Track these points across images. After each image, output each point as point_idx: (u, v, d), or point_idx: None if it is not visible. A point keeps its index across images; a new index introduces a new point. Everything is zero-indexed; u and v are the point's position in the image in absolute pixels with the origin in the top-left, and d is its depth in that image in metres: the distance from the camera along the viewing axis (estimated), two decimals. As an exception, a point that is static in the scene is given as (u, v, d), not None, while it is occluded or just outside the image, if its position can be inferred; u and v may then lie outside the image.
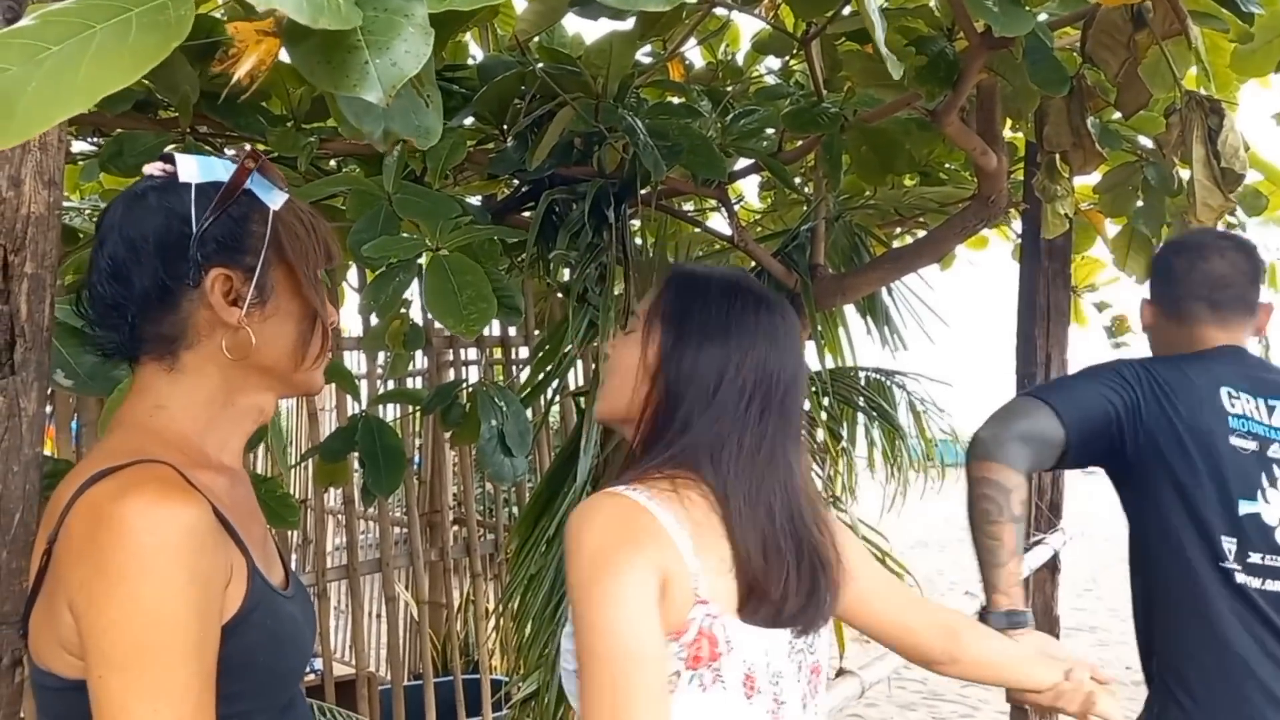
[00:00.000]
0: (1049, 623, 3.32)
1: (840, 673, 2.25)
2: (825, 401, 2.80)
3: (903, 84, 1.92)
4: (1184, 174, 1.92)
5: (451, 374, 3.53)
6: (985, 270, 3.85)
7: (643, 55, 2.71)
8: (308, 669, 3.04)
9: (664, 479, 1.06)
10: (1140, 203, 2.74)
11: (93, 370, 1.27)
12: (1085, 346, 3.60)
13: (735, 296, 1.14)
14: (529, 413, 2.29)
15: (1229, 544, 1.53)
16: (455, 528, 3.74)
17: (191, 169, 0.91)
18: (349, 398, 2.58)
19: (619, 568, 0.95)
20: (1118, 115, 2.17)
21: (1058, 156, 2.20)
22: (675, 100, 2.47)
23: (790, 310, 1.23)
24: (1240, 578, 1.53)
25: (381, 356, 2.69)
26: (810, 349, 3.16)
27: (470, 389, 2.03)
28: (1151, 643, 1.69)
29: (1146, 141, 2.58)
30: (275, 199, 0.93)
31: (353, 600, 2.88)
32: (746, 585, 1.03)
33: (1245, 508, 1.54)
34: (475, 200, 2.72)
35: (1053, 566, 3.30)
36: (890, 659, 2.41)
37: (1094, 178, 2.89)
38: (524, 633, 2.28)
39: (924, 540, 11.04)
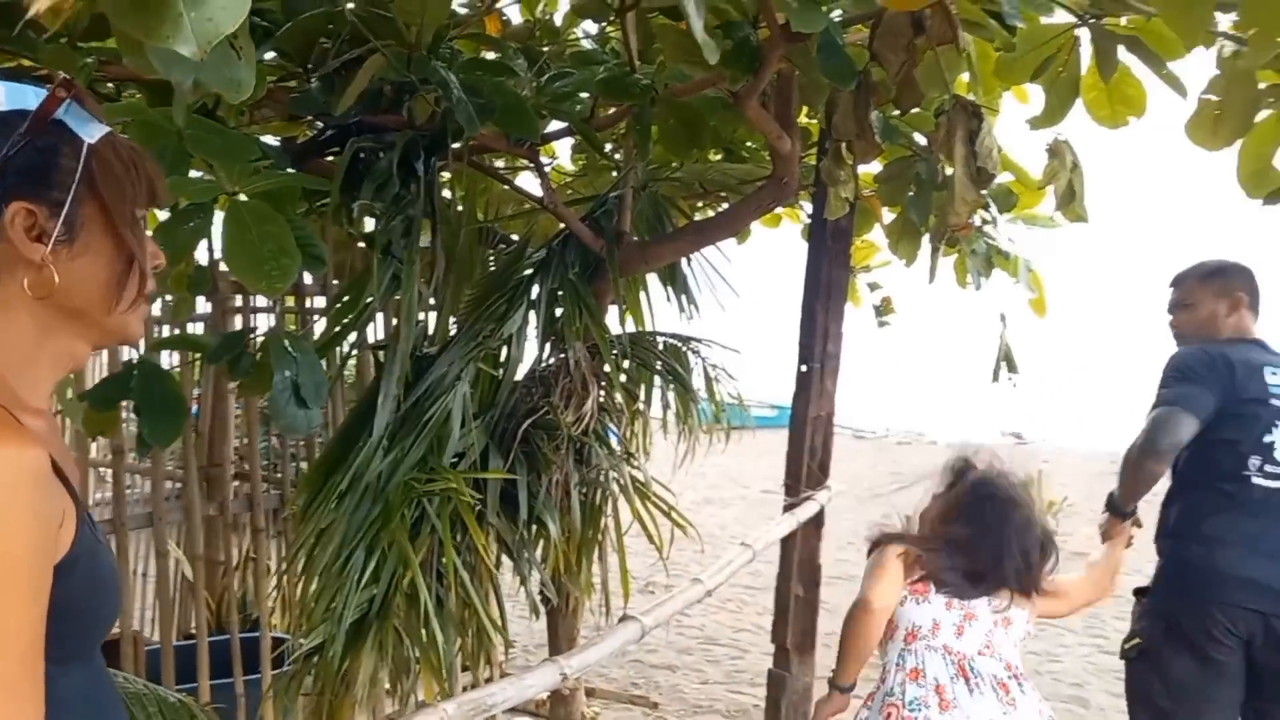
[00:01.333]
0: (812, 570, 3.63)
1: (623, 618, 2.37)
2: (625, 364, 2.90)
3: (711, 64, 2.03)
4: (949, 170, 2.13)
5: (239, 321, 3.35)
6: (777, 247, 4.09)
7: (459, 6, 2.66)
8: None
9: None
10: (912, 194, 3.03)
11: None
12: (856, 322, 3.92)
13: None
14: (324, 364, 2.23)
15: (1254, 460, 2.48)
16: (237, 482, 3.57)
17: None
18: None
19: None
20: (898, 111, 2.40)
21: (844, 145, 2.38)
22: (490, 56, 2.45)
23: None
24: (1256, 479, 2.48)
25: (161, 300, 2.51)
26: (613, 312, 3.27)
27: (262, 338, 1.94)
28: (1170, 523, 2.66)
29: (921, 139, 2.85)
30: (91, 132, 0.88)
31: (118, 557, 2.69)
32: None
33: (1266, 439, 2.48)
34: (274, 141, 2.59)
35: (818, 521, 3.61)
36: (669, 606, 2.58)
37: (875, 167, 3.16)
38: (310, 588, 2.24)
39: (709, 498, 11.65)
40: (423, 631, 2.32)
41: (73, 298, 0.88)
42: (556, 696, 3.39)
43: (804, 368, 3.58)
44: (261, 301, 3.43)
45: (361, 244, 2.48)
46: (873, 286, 3.89)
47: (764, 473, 14.04)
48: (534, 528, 2.57)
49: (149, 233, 0.97)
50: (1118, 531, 2.63)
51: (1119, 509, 2.64)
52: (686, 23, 1.64)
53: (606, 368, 2.60)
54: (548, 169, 3.75)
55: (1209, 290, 2.68)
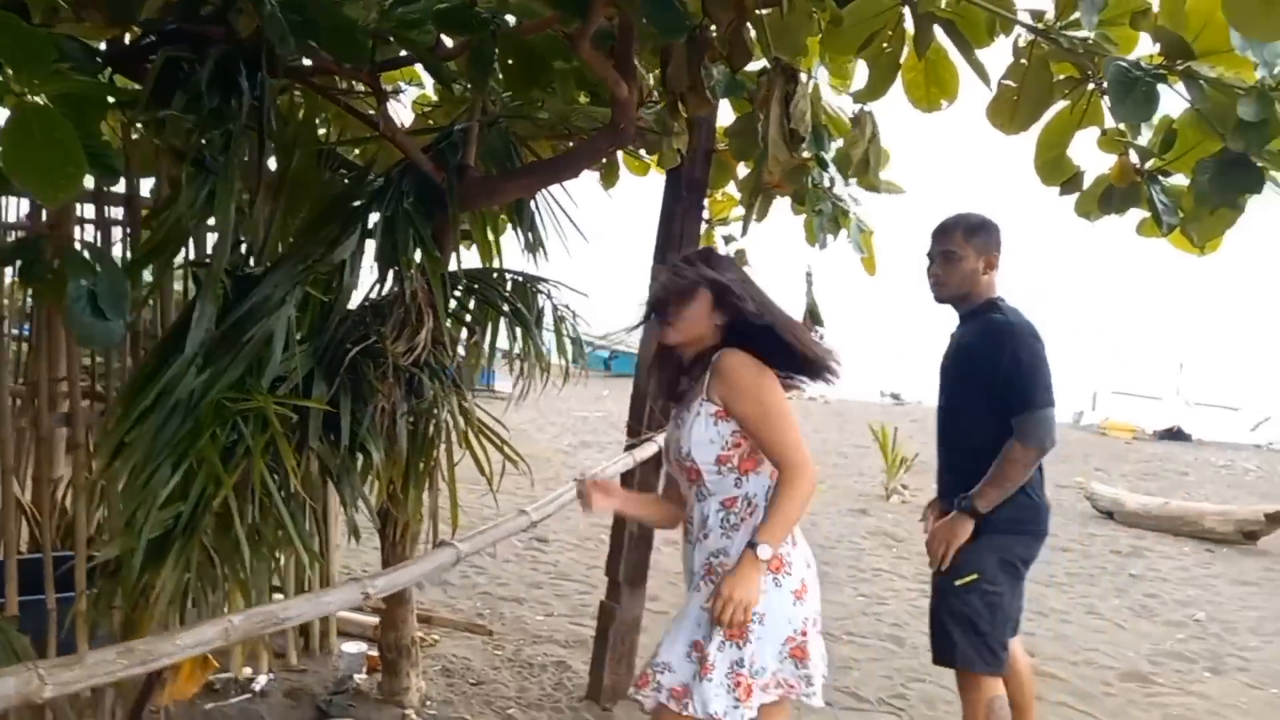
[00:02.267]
0: (648, 512, 3.77)
1: (440, 544, 2.44)
2: (470, 303, 2.93)
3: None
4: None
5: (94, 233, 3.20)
6: (642, 194, 4.14)
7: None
8: None
9: None
10: (763, 149, 3.12)
11: None
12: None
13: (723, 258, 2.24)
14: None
15: None
16: (88, 403, 3.45)
17: None
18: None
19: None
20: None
21: (678, 97, 2.45)
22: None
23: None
24: None
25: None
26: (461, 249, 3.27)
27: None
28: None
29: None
30: None
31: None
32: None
33: None
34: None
35: (658, 462, 3.74)
36: (489, 535, 2.65)
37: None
38: (111, 502, 2.21)
39: (587, 441, 11.82)
40: (239, 551, 2.34)
41: None
42: (386, 622, 3.45)
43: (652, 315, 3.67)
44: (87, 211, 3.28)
45: (174, 157, 2.40)
46: (728, 239, 4.00)
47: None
48: (359, 455, 2.59)
49: None
50: (961, 533, 2.67)
51: (978, 511, 2.65)
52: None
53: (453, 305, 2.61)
54: (411, 96, 3.71)
55: (973, 245, 2.68)
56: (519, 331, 3.11)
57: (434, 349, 2.68)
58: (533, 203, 3.11)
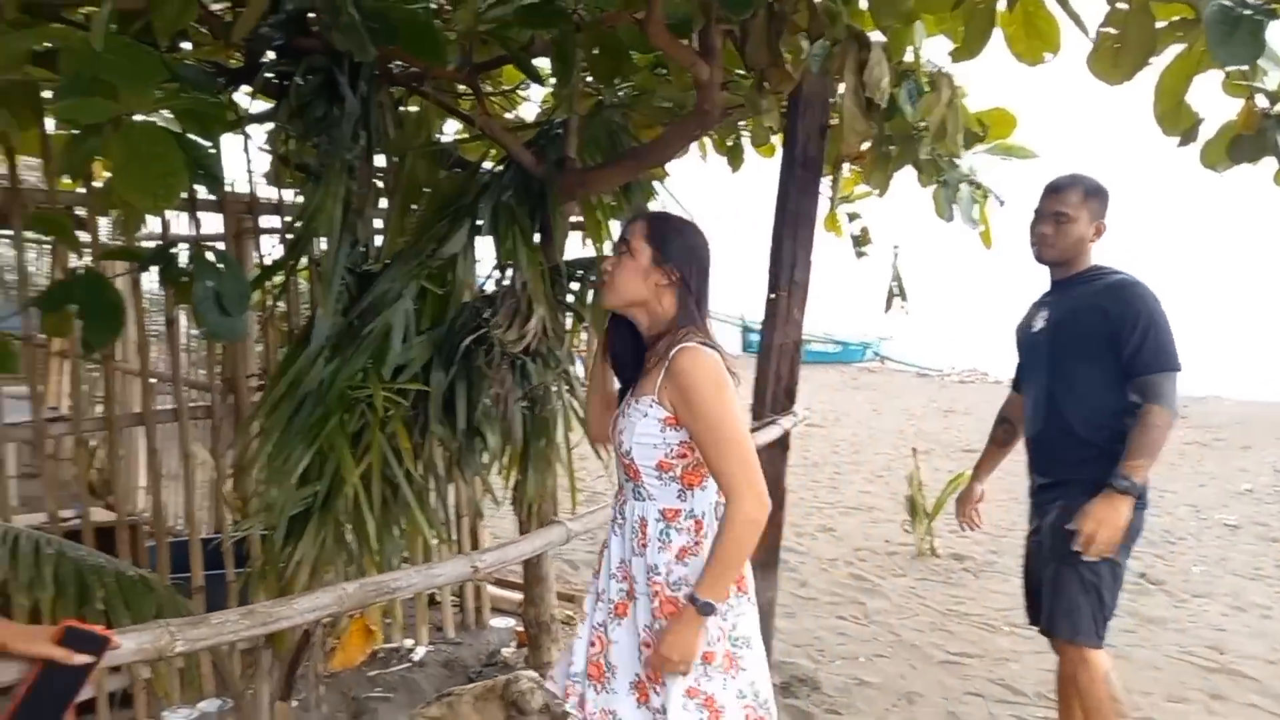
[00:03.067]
0: (779, 493, 3.74)
1: (550, 522, 2.54)
2: (574, 287, 3.02)
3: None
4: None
5: (254, 243, 3.57)
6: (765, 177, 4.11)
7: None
8: (74, 512, 3.14)
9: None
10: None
11: None
12: (832, 252, 3.95)
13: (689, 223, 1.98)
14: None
15: None
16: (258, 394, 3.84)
17: None
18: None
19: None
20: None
21: (761, 74, 2.42)
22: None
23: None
24: None
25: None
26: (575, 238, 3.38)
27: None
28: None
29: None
30: None
31: (111, 449, 2.97)
32: None
33: None
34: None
35: (784, 444, 3.70)
36: (600, 515, 2.73)
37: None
38: (252, 482, 2.45)
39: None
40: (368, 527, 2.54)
41: None
42: (528, 598, 3.62)
43: (772, 295, 3.64)
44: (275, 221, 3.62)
45: (286, 165, 2.62)
46: (851, 216, 3.89)
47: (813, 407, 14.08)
48: (476, 438, 2.74)
49: None
50: (1124, 513, 2.45)
51: (1136, 486, 2.45)
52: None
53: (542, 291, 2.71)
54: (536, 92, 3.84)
55: (1088, 208, 2.55)
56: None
57: (544, 337, 2.79)
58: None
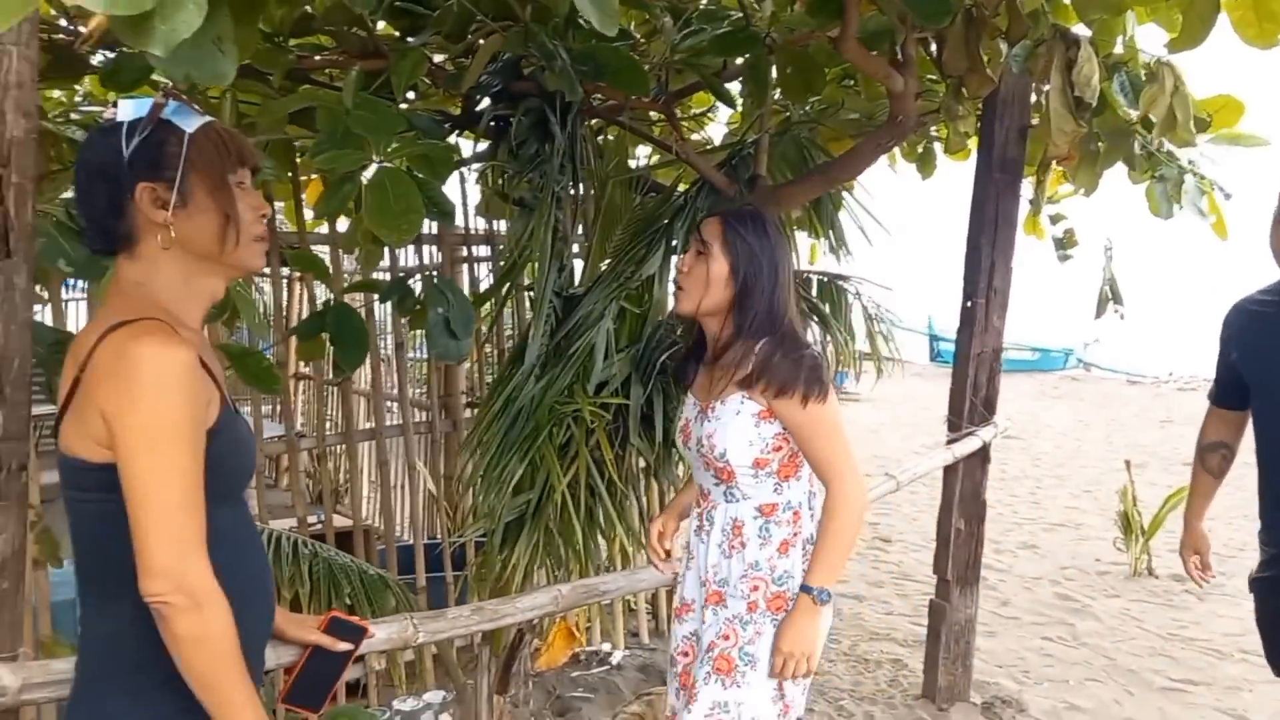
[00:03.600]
0: (975, 505, 3.63)
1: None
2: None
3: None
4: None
5: (466, 269, 3.88)
6: (955, 182, 4.01)
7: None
8: (316, 518, 3.51)
9: None
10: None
11: (85, 260, 1.64)
12: (1035, 256, 3.79)
13: (759, 217, 1.93)
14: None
15: None
16: (468, 411, 4.15)
17: (126, 110, 1.22)
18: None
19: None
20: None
21: (960, 79, 2.39)
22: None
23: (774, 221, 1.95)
24: None
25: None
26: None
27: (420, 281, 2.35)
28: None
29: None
30: (190, 123, 1.23)
31: (350, 462, 3.30)
32: None
33: None
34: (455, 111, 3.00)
35: (984, 457, 3.59)
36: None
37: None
38: (473, 491, 2.66)
39: (928, 441, 11.33)
40: (575, 533, 2.69)
41: (194, 245, 1.24)
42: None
43: (968, 303, 3.55)
44: (484, 250, 3.91)
45: (503, 199, 2.82)
46: (1055, 219, 3.72)
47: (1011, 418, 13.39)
48: (671, 449, 2.85)
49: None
50: None
51: None
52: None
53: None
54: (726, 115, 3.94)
55: None
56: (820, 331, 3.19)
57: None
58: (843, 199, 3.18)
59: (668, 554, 2.27)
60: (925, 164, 3.93)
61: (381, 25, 2.65)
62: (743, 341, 1.84)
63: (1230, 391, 2.44)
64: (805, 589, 1.82)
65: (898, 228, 3.56)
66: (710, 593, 1.95)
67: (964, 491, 3.60)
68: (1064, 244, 3.66)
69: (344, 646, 1.65)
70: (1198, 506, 2.62)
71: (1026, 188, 3.65)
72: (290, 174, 2.86)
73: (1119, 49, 2.67)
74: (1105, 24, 2.68)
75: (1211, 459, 2.57)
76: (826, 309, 3.27)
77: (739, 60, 2.73)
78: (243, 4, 0.95)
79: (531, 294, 2.75)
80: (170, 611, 1.12)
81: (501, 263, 3.07)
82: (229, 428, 1.25)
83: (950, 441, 3.53)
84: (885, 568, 5.72)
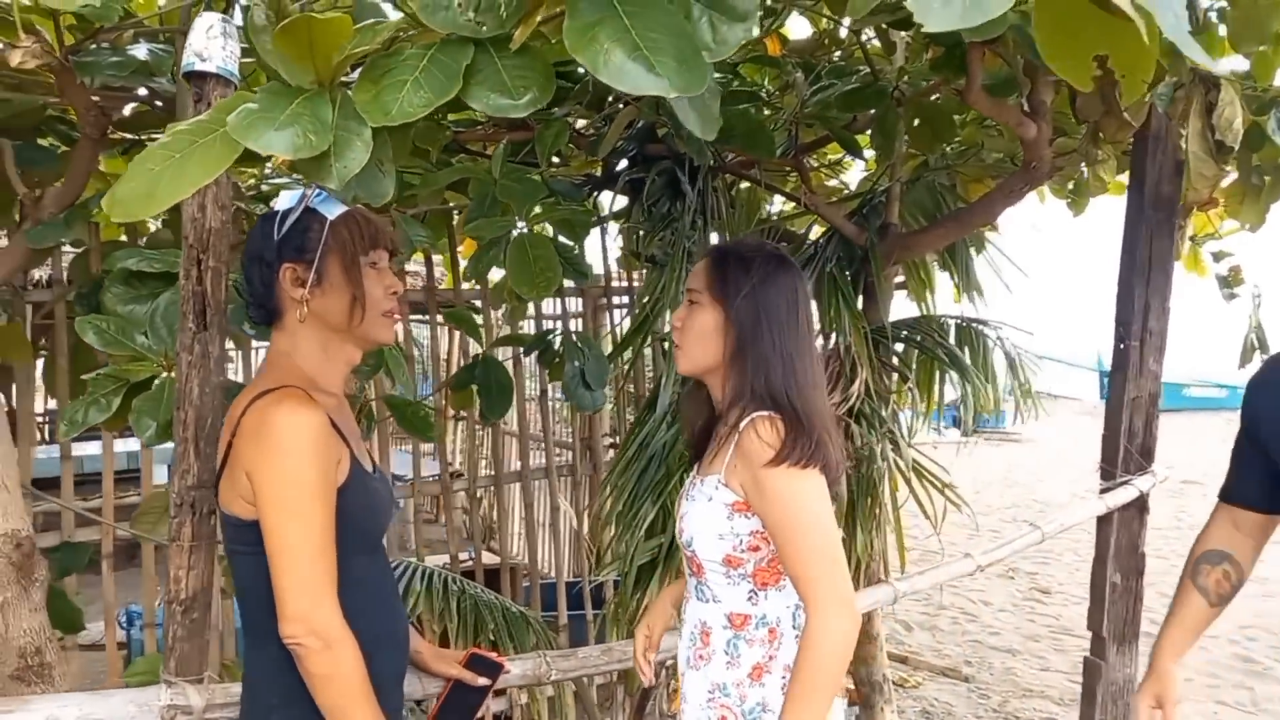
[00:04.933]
0: (1133, 558, 3.44)
1: (877, 581, 2.59)
2: (898, 348, 3.06)
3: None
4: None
5: (607, 316, 4.05)
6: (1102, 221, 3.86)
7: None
8: (467, 555, 3.71)
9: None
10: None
11: (262, 329, 1.86)
12: (1195, 294, 3.60)
13: (763, 258, 1.52)
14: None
15: None
16: (609, 453, 4.31)
17: (284, 200, 1.41)
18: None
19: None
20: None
21: (1096, 124, 2.34)
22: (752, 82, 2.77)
23: (793, 262, 1.58)
24: None
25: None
26: (900, 297, 3.42)
27: (560, 336, 2.50)
28: None
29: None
30: (333, 211, 1.39)
31: (498, 502, 3.49)
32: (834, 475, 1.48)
33: None
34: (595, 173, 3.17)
35: (1141, 507, 3.40)
36: (930, 576, 2.72)
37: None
38: (608, 533, 2.77)
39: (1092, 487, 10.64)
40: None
41: (328, 319, 1.39)
42: (857, 657, 3.64)
43: (1121, 345, 3.40)
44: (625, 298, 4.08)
45: (634, 257, 2.95)
46: (1218, 256, 3.51)
47: (1181, 458, 12.49)
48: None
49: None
50: None
51: None
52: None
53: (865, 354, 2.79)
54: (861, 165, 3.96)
55: None
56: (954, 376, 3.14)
57: (868, 398, 2.86)
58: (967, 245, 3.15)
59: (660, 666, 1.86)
60: (1077, 201, 3.81)
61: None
62: (740, 407, 1.47)
63: (1253, 484, 1.81)
64: None
65: (1050, 262, 3.46)
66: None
67: (1119, 544, 3.41)
68: (1229, 282, 3.46)
69: (483, 681, 1.77)
70: (1175, 639, 1.86)
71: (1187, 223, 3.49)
72: (449, 237, 3.11)
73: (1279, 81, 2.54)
74: (1263, 56, 2.56)
75: (1209, 575, 1.86)
76: (966, 354, 3.22)
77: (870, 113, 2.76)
78: (396, 129, 1.09)
79: (666, 344, 2.85)
80: (304, 652, 1.24)
81: (637, 313, 3.20)
82: (359, 484, 1.36)
83: (1103, 491, 3.37)
84: (1043, 620, 5.44)
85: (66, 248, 2.90)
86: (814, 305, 2.91)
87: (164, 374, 1.70)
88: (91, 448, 5.43)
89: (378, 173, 1.12)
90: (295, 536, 1.24)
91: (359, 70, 1.09)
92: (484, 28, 1.05)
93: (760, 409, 1.45)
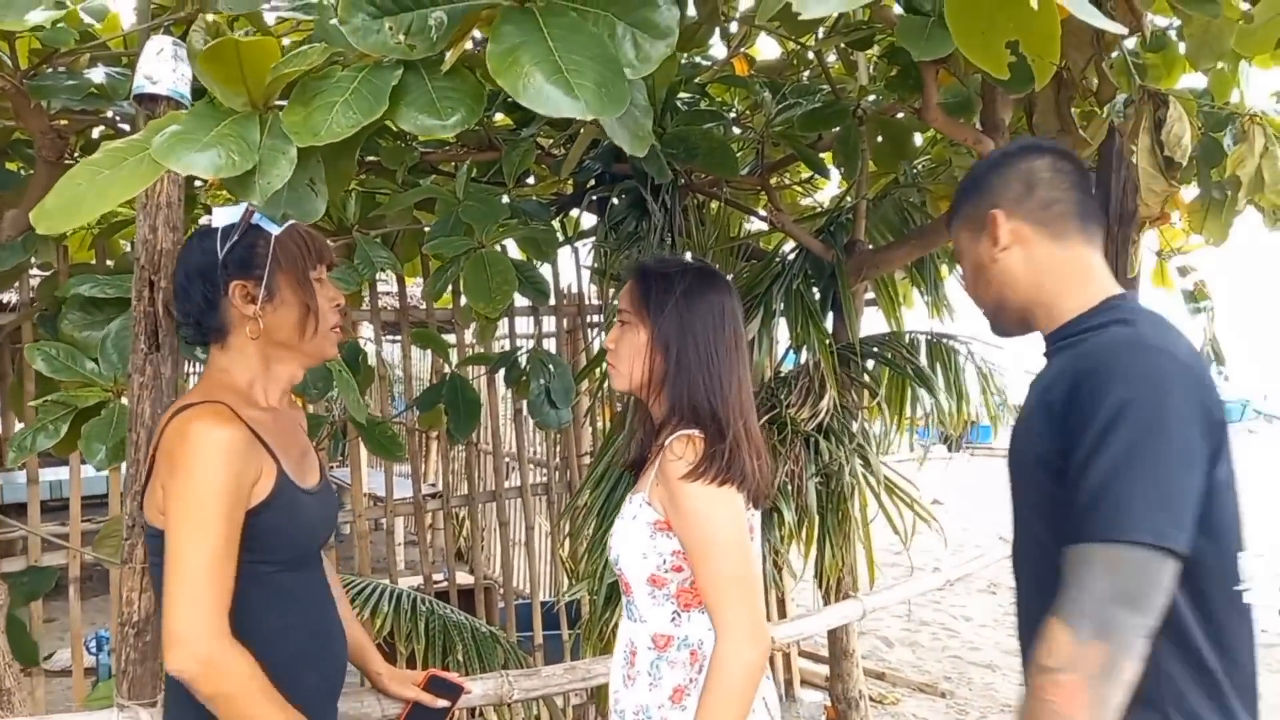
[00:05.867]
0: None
1: (845, 596, 2.59)
2: (869, 364, 3.08)
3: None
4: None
5: (591, 334, 4.06)
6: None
7: (710, 54, 3.04)
8: (443, 575, 3.69)
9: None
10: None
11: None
12: (1163, 310, 3.62)
13: (687, 276, 1.52)
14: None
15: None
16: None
17: (221, 217, 1.38)
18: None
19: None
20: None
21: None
22: (710, 105, 2.80)
23: (722, 278, 1.60)
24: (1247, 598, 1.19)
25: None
26: (871, 314, 3.44)
27: (525, 355, 2.51)
28: None
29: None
30: (276, 227, 1.37)
31: (471, 522, 3.48)
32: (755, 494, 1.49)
33: None
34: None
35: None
36: (898, 591, 2.73)
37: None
38: (577, 552, 2.76)
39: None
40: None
41: (278, 335, 1.37)
42: (834, 673, 3.63)
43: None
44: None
45: (597, 275, 2.97)
46: (1183, 271, 3.55)
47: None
48: (772, 513, 2.87)
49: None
50: None
51: None
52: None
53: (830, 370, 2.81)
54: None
55: None
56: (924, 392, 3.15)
57: (836, 414, 2.88)
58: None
59: None
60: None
61: (500, 116, 2.88)
62: (671, 425, 1.47)
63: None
64: None
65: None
66: None
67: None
68: (1195, 296, 3.49)
69: (442, 703, 1.76)
70: None
71: (1152, 239, 3.53)
72: (421, 257, 3.12)
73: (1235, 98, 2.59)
74: (1220, 74, 2.61)
75: None
76: (938, 370, 3.24)
77: (831, 132, 2.79)
78: (335, 150, 1.10)
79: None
80: (189, 679, 1.20)
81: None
82: (285, 500, 1.33)
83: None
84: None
85: (35, 270, 2.91)
86: (780, 321, 2.94)
87: (114, 400, 1.70)
88: (62, 472, 5.40)
89: (309, 191, 1.13)
90: (189, 553, 1.22)
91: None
92: (415, 50, 1.07)
93: (687, 428, 1.45)
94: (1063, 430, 1.14)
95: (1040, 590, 1.17)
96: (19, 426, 2.40)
